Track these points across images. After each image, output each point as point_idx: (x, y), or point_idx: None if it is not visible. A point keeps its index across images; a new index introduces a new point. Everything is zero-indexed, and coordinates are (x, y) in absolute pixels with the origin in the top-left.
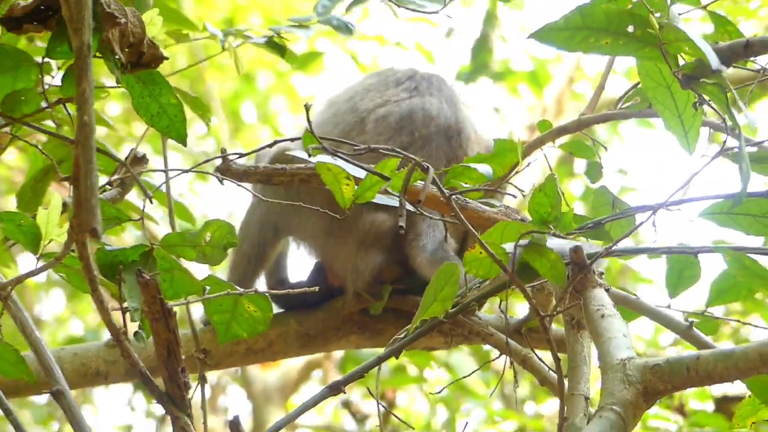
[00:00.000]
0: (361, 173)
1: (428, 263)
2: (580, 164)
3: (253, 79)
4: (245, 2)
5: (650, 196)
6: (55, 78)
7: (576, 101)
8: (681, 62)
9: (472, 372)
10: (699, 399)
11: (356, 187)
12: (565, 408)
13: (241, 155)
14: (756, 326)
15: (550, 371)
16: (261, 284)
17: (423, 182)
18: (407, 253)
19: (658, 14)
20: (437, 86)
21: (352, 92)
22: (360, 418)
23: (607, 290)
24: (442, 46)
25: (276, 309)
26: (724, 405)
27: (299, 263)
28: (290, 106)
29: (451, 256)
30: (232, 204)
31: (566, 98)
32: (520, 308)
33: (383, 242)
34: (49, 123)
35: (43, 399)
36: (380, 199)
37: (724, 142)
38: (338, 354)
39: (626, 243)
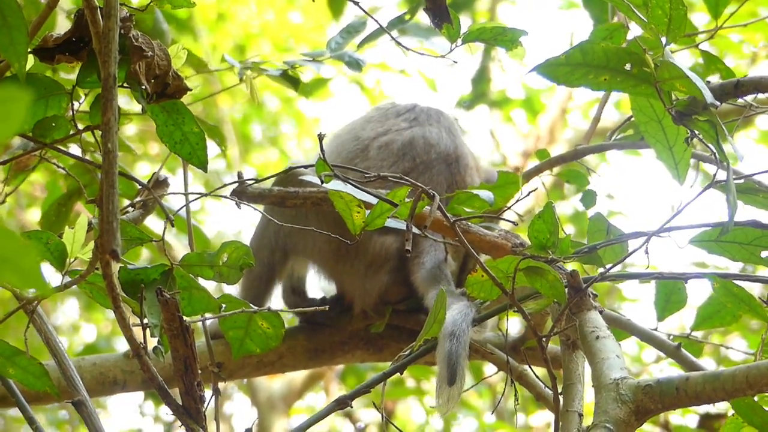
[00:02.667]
0: (371, 200)
1: (422, 280)
2: (569, 188)
3: (262, 103)
4: (256, 30)
5: (638, 221)
6: (82, 104)
7: (568, 129)
8: (673, 97)
9: (471, 387)
10: (683, 415)
11: (366, 212)
12: (560, 423)
13: (257, 180)
14: (737, 350)
15: (546, 388)
16: (276, 299)
17: (429, 207)
18: (409, 269)
19: (651, 52)
20: (436, 117)
21: (354, 124)
22: (360, 428)
23: (600, 312)
24: (444, 75)
25: (287, 324)
26: (707, 422)
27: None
28: (297, 129)
29: (445, 274)
30: (242, 222)
31: (559, 127)
32: (514, 325)
33: (390, 263)
34: (75, 148)
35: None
36: (390, 222)
37: (715, 174)
38: (339, 366)
39: (618, 267)
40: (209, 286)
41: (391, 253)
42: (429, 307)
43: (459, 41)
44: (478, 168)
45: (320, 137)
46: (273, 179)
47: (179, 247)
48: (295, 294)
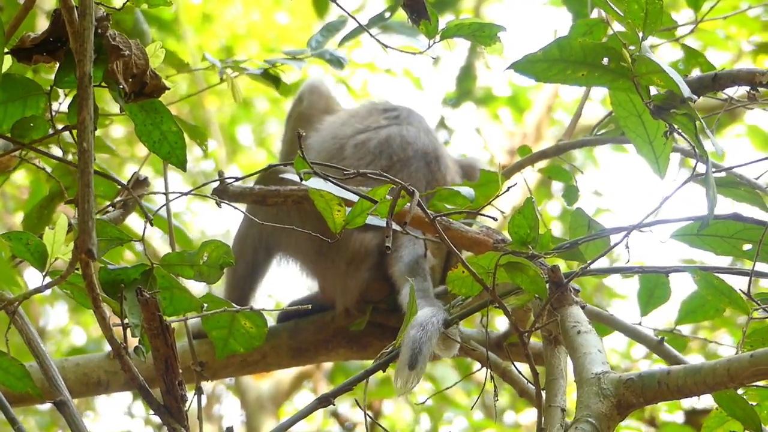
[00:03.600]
0: (352, 197)
1: (400, 274)
2: (557, 186)
3: (250, 104)
4: (243, 31)
5: (624, 218)
6: (62, 105)
7: (554, 127)
8: (653, 91)
9: (455, 384)
10: (669, 411)
11: (347, 210)
12: (543, 419)
13: (238, 179)
14: (720, 344)
15: (529, 384)
16: (261, 298)
17: (409, 205)
18: (387, 263)
19: (632, 47)
20: (415, 118)
21: (335, 121)
22: (348, 428)
23: (583, 307)
24: (429, 73)
25: (270, 322)
26: (693, 417)
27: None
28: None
29: (423, 269)
30: (228, 222)
31: (545, 124)
32: (499, 321)
33: (371, 260)
34: (57, 150)
35: (46, 406)
36: (370, 219)
37: (694, 168)
38: (328, 365)
39: (601, 263)
40: (195, 286)
41: (370, 249)
42: (404, 302)
43: (437, 37)
44: (457, 170)
45: (299, 135)
46: (255, 177)
47: (165, 248)
48: None
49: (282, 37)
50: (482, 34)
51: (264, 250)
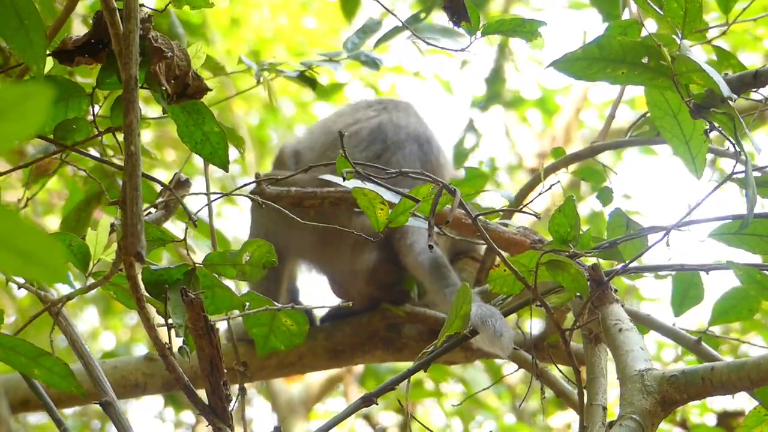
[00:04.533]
0: (395, 197)
1: (417, 264)
2: (585, 188)
3: (278, 108)
4: (270, 35)
5: (656, 219)
6: (102, 107)
7: (583, 129)
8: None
9: (488, 387)
10: (701, 414)
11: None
12: (584, 417)
13: (275, 180)
14: (754, 345)
15: (568, 384)
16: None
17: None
18: (396, 250)
19: (666, 47)
20: (404, 108)
21: (323, 123)
22: (379, 430)
23: (622, 306)
24: (458, 76)
25: None
26: (725, 419)
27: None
28: None
29: (438, 255)
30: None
31: (574, 127)
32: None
33: (374, 242)
34: (94, 153)
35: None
36: (411, 221)
37: (734, 167)
38: (359, 369)
39: (637, 262)
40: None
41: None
42: (435, 300)
43: (478, 34)
44: (448, 152)
45: (341, 135)
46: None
47: (199, 251)
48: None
49: (310, 40)
50: (524, 30)
51: (278, 253)
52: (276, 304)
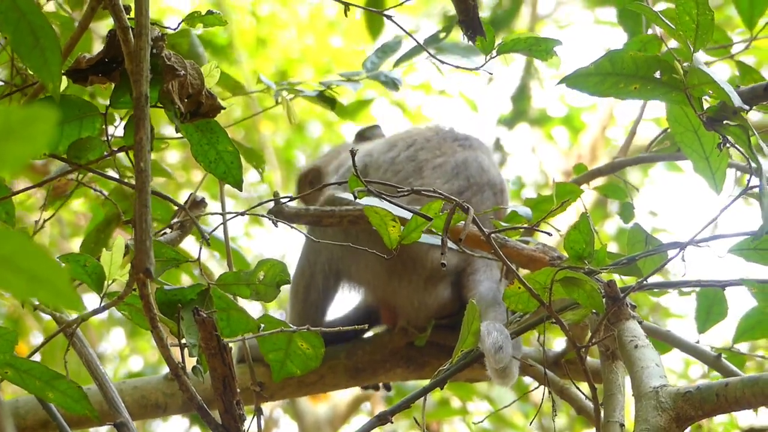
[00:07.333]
0: (406, 214)
1: (480, 300)
2: (613, 206)
3: (304, 128)
4: (297, 55)
5: (679, 235)
6: (117, 128)
7: (609, 148)
8: (706, 105)
9: (512, 403)
10: (726, 429)
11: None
12: None
13: (292, 198)
14: None
15: (587, 400)
16: None
17: (463, 222)
18: (464, 285)
19: (686, 64)
20: (485, 150)
21: (412, 141)
22: None
23: (639, 323)
24: (483, 94)
25: None
26: None
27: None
28: None
29: (497, 293)
30: (283, 245)
31: (600, 145)
32: (556, 341)
33: (449, 278)
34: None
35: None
36: (424, 238)
37: (748, 181)
38: None
39: (657, 279)
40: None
41: (449, 268)
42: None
43: (493, 52)
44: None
45: (353, 153)
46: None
47: (218, 271)
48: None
49: (336, 60)
50: (538, 49)
51: (334, 276)
52: (290, 326)
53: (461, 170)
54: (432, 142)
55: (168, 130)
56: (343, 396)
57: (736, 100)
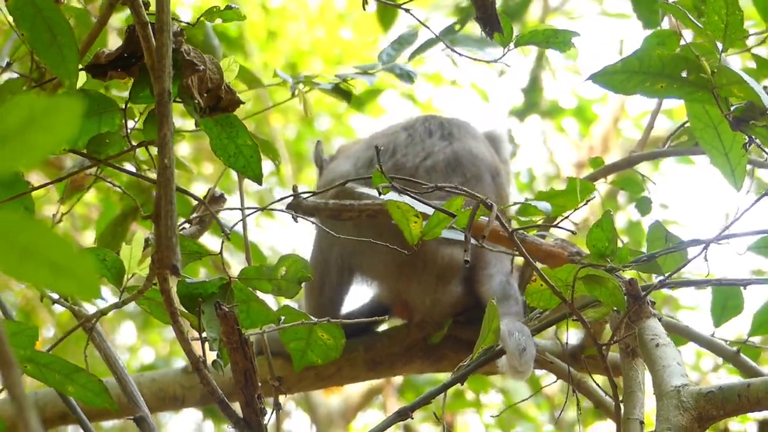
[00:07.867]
0: (428, 210)
1: (492, 294)
2: (623, 198)
3: (313, 121)
4: (307, 47)
5: (693, 231)
6: (137, 122)
7: (621, 140)
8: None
9: (528, 397)
10: (742, 422)
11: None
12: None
13: (312, 193)
14: None
15: (606, 396)
16: None
17: (486, 218)
18: (476, 279)
19: (704, 58)
20: (470, 130)
21: (391, 149)
22: None
23: (659, 320)
24: (495, 86)
25: None
26: (766, 428)
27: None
28: None
29: (514, 291)
30: (297, 239)
31: (612, 137)
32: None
33: (461, 274)
34: (129, 167)
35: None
36: (447, 233)
37: None
38: (397, 380)
39: (676, 275)
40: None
41: (460, 264)
42: None
43: (511, 45)
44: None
45: (377, 149)
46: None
47: (235, 265)
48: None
49: (347, 53)
50: (556, 40)
51: (348, 271)
52: (311, 318)
53: (455, 166)
54: (411, 145)
55: (179, 122)
56: (356, 389)
57: (766, 101)
